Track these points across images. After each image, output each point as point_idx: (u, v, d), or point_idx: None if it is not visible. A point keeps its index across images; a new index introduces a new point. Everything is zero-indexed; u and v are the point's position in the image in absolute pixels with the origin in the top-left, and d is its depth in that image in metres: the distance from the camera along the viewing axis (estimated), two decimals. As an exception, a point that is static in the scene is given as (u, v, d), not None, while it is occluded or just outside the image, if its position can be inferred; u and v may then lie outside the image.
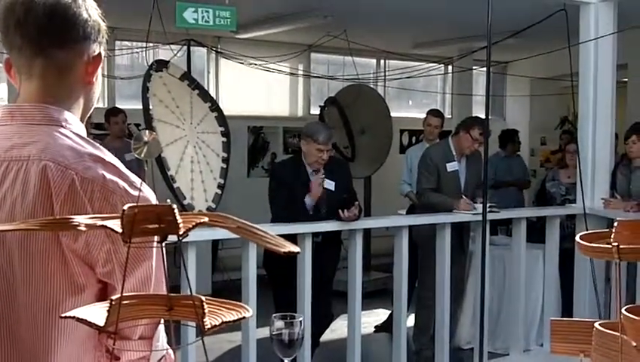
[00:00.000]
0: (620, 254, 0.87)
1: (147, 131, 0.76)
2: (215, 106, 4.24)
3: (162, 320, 1.12)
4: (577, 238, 0.93)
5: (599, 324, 0.95)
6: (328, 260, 4.13)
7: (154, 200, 1.09)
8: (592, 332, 0.96)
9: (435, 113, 5.65)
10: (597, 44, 4.56)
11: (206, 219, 0.77)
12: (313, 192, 3.88)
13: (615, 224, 0.90)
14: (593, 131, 4.62)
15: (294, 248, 0.71)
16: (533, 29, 4.70)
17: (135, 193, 1.09)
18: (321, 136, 3.89)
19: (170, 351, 1.16)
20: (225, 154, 4.11)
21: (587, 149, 4.62)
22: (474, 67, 7.69)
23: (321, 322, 4.08)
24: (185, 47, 5.84)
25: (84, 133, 1.18)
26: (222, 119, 4.23)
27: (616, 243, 0.87)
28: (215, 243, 6.45)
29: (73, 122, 1.17)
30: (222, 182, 4.03)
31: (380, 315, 5.83)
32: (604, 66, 4.59)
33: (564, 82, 6.61)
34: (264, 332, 3.65)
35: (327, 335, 4.51)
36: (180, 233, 0.74)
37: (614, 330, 0.92)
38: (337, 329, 4.90)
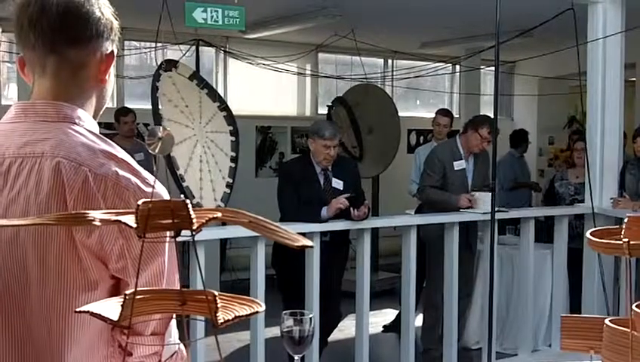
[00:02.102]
0: (631, 250, 0.87)
1: (161, 127, 0.76)
2: (224, 106, 4.25)
3: (175, 317, 1.13)
4: (587, 234, 0.93)
5: (610, 321, 0.95)
6: (336, 259, 4.13)
7: (166, 197, 1.10)
8: (602, 328, 0.96)
9: (444, 112, 5.65)
10: (605, 43, 4.55)
11: (219, 215, 0.78)
12: (331, 209, 3.81)
13: (625, 220, 0.90)
14: (602, 131, 4.61)
15: (307, 242, 0.72)
16: (540, 28, 4.69)
17: (147, 190, 1.10)
18: (327, 131, 3.90)
19: (182, 347, 1.16)
20: (233, 154, 4.12)
21: (596, 149, 4.60)
22: (482, 66, 7.68)
23: (329, 321, 4.09)
24: (193, 47, 5.85)
25: (97, 130, 1.19)
26: (230, 118, 4.24)
27: (626, 239, 0.87)
28: (223, 243, 6.46)
29: (86, 119, 1.18)
30: (230, 181, 4.05)
31: (388, 315, 5.83)
32: (612, 65, 4.58)
33: (572, 81, 6.60)
34: (272, 331, 3.66)
35: (336, 335, 4.52)
36: (194, 228, 0.75)
37: (625, 327, 0.92)
38: (345, 328, 4.90)
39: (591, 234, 0.92)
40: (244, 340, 4.42)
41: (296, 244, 0.72)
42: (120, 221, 0.75)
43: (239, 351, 4.70)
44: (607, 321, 0.94)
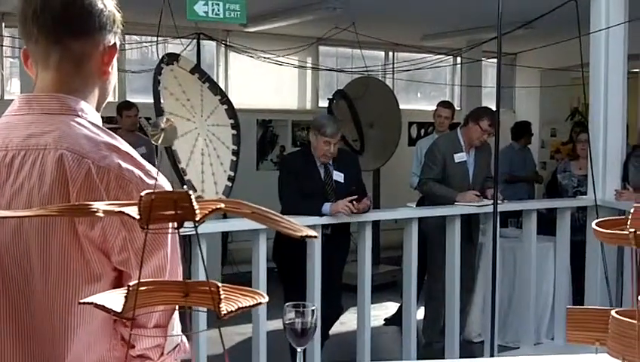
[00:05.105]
0: (637, 240, 0.87)
1: (164, 118, 0.76)
2: (225, 99, 4.24)
3: (177, 310, 1.12)
4: (593, 225, 0.92)
5: (615, 312, 0.94)
6: (338, 252, 4.13)
7: (169, 189, 1.09)
8: (608, 320, 0.96)
9: (445, 104, 5.63)
10: (608, 34, 4.52)
11: (222, 205, 0.77)
12: (335, 209, 3.77)
13: (632, 210, 0.89)
14: (604, 122, 4.59)
15: (311, 232, 0.71)
16: (542, 20, 4.66)
17: (150, 182, 1.09)
18: (328, 129, 3.89)
19: (185, 340, 1.16)
20: (235, 147, 4.11)
21: (598, 140, 4.58)
22: (483, 59, 7.65)
23: (330, 314, 4.09)
24: (194, 41, 5.84)
25: (100, 123, 1.19)
26: (232, 112, 4.23)
27: (633, 230, 0.86)
28: (225, 236, 6.47)
29: (89, 112, 1.18)
30: (232, 174, 4.04)
31: (389, 308, 5.83)
32: (615, 57, 4.55)
33: (574, 73, 6.57)
34: (274, 324, 3.65)
35: (337, 328, 4.52)
36: (197, 219, 0.74)
37: (631, 318, 0.91)
38: (347, 321, 4.90)
39: (596, 224, 0.91)
40: (245, 333, 4.42)
41: (299, 234, 0.71)
42: (123, 212, 0.75)
43: (240, 344, 4.70)
44: (613, 313, 0.94)
